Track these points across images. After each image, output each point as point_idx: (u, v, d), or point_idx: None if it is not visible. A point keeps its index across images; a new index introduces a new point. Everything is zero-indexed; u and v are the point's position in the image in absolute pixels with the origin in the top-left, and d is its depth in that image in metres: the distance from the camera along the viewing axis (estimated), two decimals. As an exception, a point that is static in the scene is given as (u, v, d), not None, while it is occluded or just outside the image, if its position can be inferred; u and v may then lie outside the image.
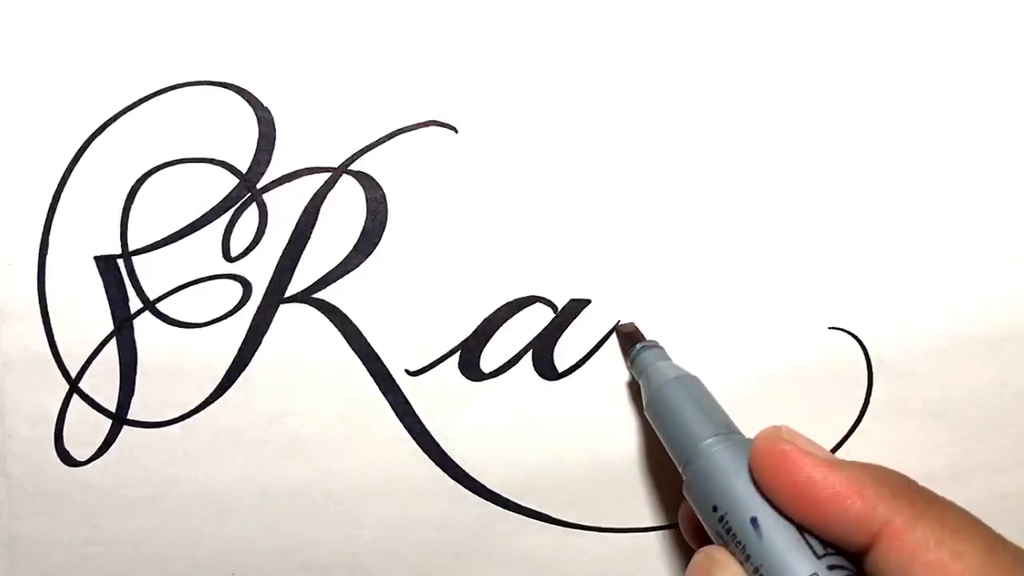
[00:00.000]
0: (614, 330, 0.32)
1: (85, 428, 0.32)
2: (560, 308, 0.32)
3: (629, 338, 0.32)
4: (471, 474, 0.33)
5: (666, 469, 0.33)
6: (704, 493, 0.25)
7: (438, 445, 0.33)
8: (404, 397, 0.33)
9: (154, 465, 0.33)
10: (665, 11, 0.31)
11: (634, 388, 0.33)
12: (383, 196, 0.32)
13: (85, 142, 0.31)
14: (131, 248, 0.32)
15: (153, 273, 0.32)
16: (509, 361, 0.33)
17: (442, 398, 0.33)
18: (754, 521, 0.23)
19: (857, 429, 0.33)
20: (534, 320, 0.32)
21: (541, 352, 0.33)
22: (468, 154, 0.32)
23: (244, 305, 0.32)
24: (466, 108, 0.32)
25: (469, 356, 0.32)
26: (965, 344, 0.32)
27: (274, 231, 0.32)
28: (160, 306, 0.32)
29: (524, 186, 0.32)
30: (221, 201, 0.32)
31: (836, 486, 0.23)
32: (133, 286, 0.32)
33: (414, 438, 0.33)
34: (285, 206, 0.32)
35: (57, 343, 0.32)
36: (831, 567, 0.22)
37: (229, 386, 0.32)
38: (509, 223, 0.32)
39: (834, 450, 0.33)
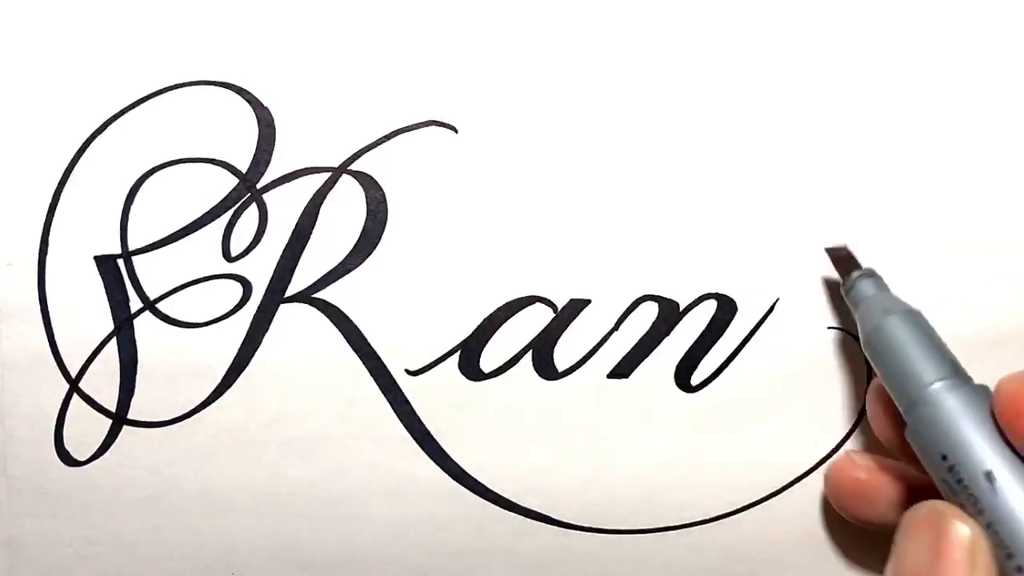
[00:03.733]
0: (827, 252, 0.30)
1: (85, 428, 0.32)
2: (560, 308, 0.32)
3: (843, 264, 0.29)
4: (471, 474, 0.33)
5: (666, 469, 0.33)
6: (932, 440, 0.24)
7: (438, 445, 0.33)
8: (404, 397, 0.33)
9: (154, 465, 0.33)
10: (665, 11, 0.31)
11: (627, 390, 0.33)
12: (383, 196, 0.32)
13: (85, 142, 0.31)
14: (131, 248, 0.32)
15: (153, 273, 0.32)
16: (509, 361, 0.33)
17: (442, 398, 0.33)
18: (989, 475, 0.22)
19: (857, 429, 0.33)
20: (534, 320, 0.32)
21: (541, 352, 0.33)
22: (468, 154, 0.32)
23: (244, 305, 0.32)
24: (466, 108, 0.32)
25: (469, 356, 0.32)
26: (965, 344, 0.32)
27: (274, 231, 0.32)
28: (160, 306, 0.32)
29: (524, 186, 0.32)
30: (221, 201, 0.32)
31: None
32: (133, 286, 0.32)
33: (414, 438, 0.33)
34: (285, 206, 0.32)
35: (57, 343, 0.32)
36: None
37: (229, 386, 0.32)
38: (509, 223, 0.32)
39: (834, 451, 0.33)
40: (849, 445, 0.33)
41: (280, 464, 0.33)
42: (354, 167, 0.32)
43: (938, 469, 0.24)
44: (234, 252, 0.32)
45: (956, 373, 0.25)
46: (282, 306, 0.32)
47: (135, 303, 0.32)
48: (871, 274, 0.29)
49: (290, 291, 0.32)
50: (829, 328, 0.33)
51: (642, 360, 0.33)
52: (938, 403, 0.24)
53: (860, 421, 0.33)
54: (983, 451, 0.23)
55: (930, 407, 0.24)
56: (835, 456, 0.32)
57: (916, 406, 0.25)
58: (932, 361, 0.25)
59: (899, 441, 0.28)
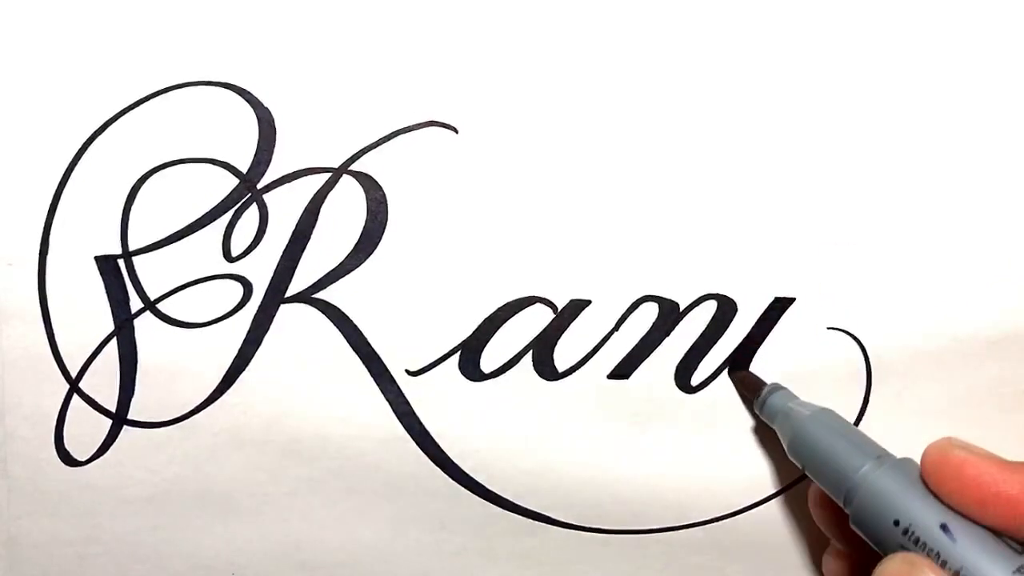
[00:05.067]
0: (730, 378, 0.33)
1: (85, 428, 0.32)
2: (560, 308, 0.32)
3: (750, 385, 0.32)
4: (471, 474, 0.33)
5: (666, 469, 0.33)
6: (880, 512, 0.25)
7: (438, 445, 0.33)
8: (404, 397, 0.33)
9: (154, 465, 0.33)
10: (664, 12, 0.31)
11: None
12: (383, 196, 0.32)
13: (85, 142, 0.31)
14: (131, 248, 0.32)
15: (153, 273, 0.32)
16: (509, 361, 0.33)
17: (442, 398, 0.33)
18: (944, 527, 0.24)
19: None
20: (534, 320, 0.32)
21: (541, 352, 0.33)
22: (468, 154, 0.32)
23: (244, 305, 0.32)
24: (466, 108, 0.32)
25: (469, 356, 0.32)
26: (965, 344, 0.32)
27: (274, 231, 0.32)
28: (160, 306, 0.32)
29: (524, 186, 0.32)
30: (221, 201, 0.32)
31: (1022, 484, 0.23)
32: (133, 286, 0.32)
33: (414, 438, 0.33)
34: (285, 206, 0.32)
35: (57, 343, 0.32)
36: None
37: (229, 386, 0.32)
38: (509, 223, 0.32)
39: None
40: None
41: (280, 464, 0.33)
42: (354, 167, 0.32)
43: (892, 536, 0.25)
44: (234, 252, 0.32)
45: (880, 454, 0.27)
46: (282, 306, 0.32)
47: (135, 303, 0.32)
48: (777, 387, 0.31)
49: (290, 291, 0.32)
50: (829, 328, 0.33)
51: (642, 361, 0.33)
52: (876, 479, 0.26)
53: (859, 421, 0.33)
54: (932, 509, 0.24)
55: (870, 484, 0.26)
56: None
57: (853, 491, 0.26)
58: (856, 448, 0.27)
59: (846, 538, 0.29)
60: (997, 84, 0.32)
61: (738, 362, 0.33)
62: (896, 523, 0.25)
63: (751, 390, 0.32)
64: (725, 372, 0.33)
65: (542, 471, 0.33)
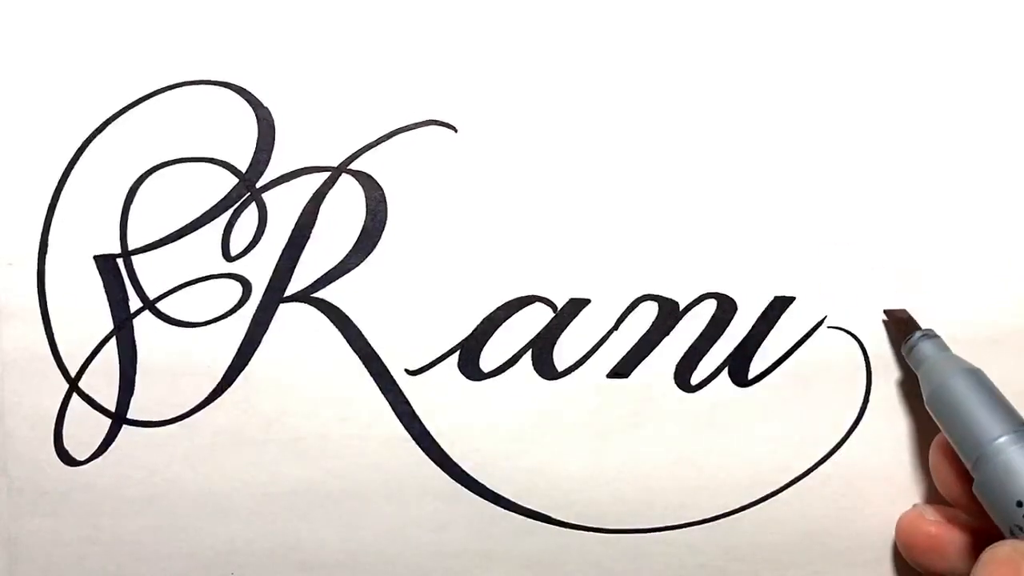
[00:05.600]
0: (885, 314, 0.32)
1: (85, 428, 0.32)
2: (559, 307, 0.32)
3: (903, 325, 0.31)
4: (471, 474, 0.33)
5: (666, 469, 0.33)
6: (1005, 488, 0.25)
7: (438, 445, 0.33)
8: (404, 397, 0.33)
9: (154, 465, 0.33)
10: (663, 12, 0.31)
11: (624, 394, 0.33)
12: (383, 196, 0.32)
13: (85, 142, 0.31)
14: (131, 247, 0.32)
15: (153, 272, 0.32)
16: (509, 361, 0.33)
17: (442, 398, 0.33)
18: None
19: (857, 429, 0.33)
20: (534, 320, 0.32)
21: (540, 351, 0.32)
22: (468, 154, 0.32)
23: (244, 305, 0.32)
24: (466, 108, 0.32)
25: (469, 356, 0.32)
26: (965, 344, 0.32)
27: (274, 231, 0.32)
28: (160, 305, 0.32)
29: (524, 186, 0.32)
30: (221, 201, 0.32)
31: None
32: (133, 286, 0.32)
33: (414, 438, 0.33)
34: (285, 206, 0.32)
35: (57, 343, 0.32)
36: None
37: (229, 386, 0.32)
38: (508, 222, 0.32)
39: (834, 451, 0.33)
40: (849, 445, 0.33)
41: (280, 464, 0.33)
42: (354, 167, 0.32)
43: (1012, 516, 0.25)
44: (234, 252, 0.32)
45: (1022, 426, 0.27)
46: (282, 306, 0.32)
47: (135, 303, 0.32)
48: (931, 335, 0.31)
49: (290, 291, 0.32)
50: (829, 328, 0.33)
51: (642, 360, 0.33)
52: (1009, 453, 0.26)
53: (859, 422, 0.33)
54: None
55: (1002, 457, 0.26)
56: (906, 512, 0.32)
57: (986, 458, 0.26)
58: (997, 416, 0.27)
59: (963, 494, 0.29)
60: (997, 84, 0.32)
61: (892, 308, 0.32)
62: (1020, 504, 0.25)
63: (902, 331, 0.31)
64: (725, 372, 0.33)
65: (542, 470, 0.33)
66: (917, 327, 0.31)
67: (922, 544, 0.31)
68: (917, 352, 0.30)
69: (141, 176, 0.31)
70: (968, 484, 0.27)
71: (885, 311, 0.32)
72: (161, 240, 0.32)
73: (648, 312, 0.32)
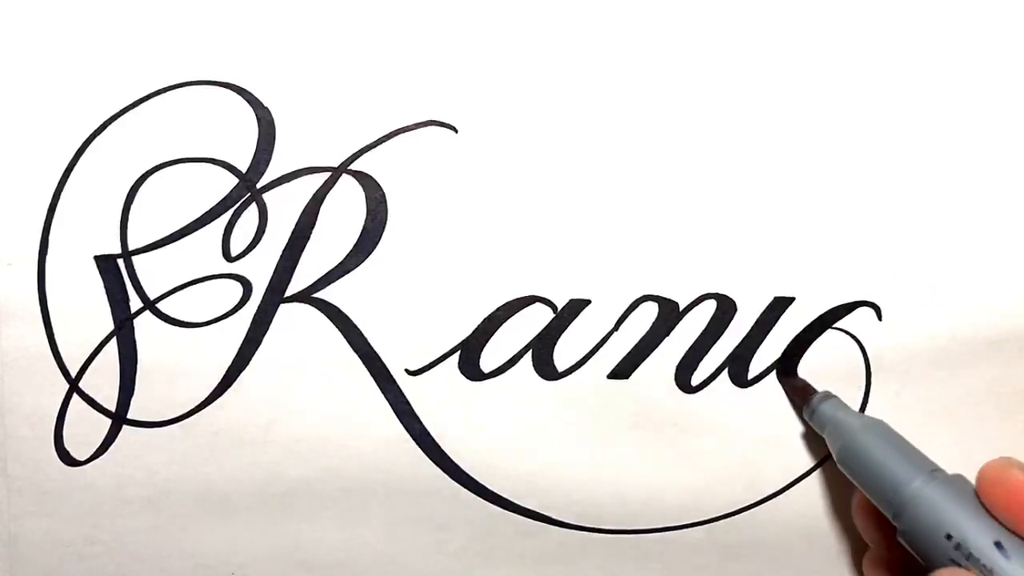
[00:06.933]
0: (781, 384, 0.33)
1: (85, 428, 0.33)
2: (560, 308, 0.32)
3: (802, 392, 0.32)
4: (471, 474, 0.33)
5: (666, 469, 0.33)
6: (933, 525, 0.26)
7: (438, 445, 0.33)
8: (404, 397, 0.33)
9: (154, 465, 0.33)
10: (663, 13, 0.31)
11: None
12: (383, 196, 0.32)
13: (85, 142, 0.31)
14: (131, 248, 0.32)
15: (153, 273, 0.32)
16: (509, 361, 0.33)
17: (442, 398, 0.33)
18: (999, 545, 0.24)
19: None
20: (534, 320, 0.32)
21: (541, 352, 0.33)
22: (468, 154, 0.32)
23: (244, 305, 0.32)
24: (466, 108, 0.32)
25: (469, 356, 0.32)
26: (965, 344, 0.32)
27: (274, 231, 0.32)
28: (160, 306, 0.32)
29: (524, 186, 0.32)
30: (221, 201, 0.32)
31: None
32: (133, 286, 0.32)
33: (414, 438, 0.33)
34: (285, 206, 0.32)
35: (57, 343, 0.32)
36: None
37: (229, 386, 0.32)
38: (509, 223, 0.32)
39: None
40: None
41: (280, 464, 0.33)
42: (354, 167, 0.32)
43: (943, 550, 0.25)
44: (234, 252, 0.32)
45: (933, 468, 0.27)
46: (282, 306, 0.32)
47: (135, 303, 0.32)
48: (828, 396, 0.31)
49: (290, 291, 0.32)
50: (829, 328, 0.33)
51: (642, 360, 0.33)
52: (930, 493, 0.26)
53: (860, 421, 0.33)
54: (987, 526, 0.25)
55: (922, 498, 0.26)
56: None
57: (909, 501, 0.26)
58: (908, 463, 0.27)
59: (888, 546, 0.30)
60: (997, 84, 0.32)
61: (787, 365, 0.33)
62: (948, 537, 0.25)
63: (801, 397, 0.32)
64: (725, 372, 0.33)
65: (542, 471, 0.33)
66: (814, 391, 0.32)
67: None
68: (819, 416, 0.31)
69: (141, 176, 0.31)
70: (893, 536, 0.27)
71: (780, 380, 0.33)
72: (161, 240, 0.32)
73: (648, 313, 0.32)
